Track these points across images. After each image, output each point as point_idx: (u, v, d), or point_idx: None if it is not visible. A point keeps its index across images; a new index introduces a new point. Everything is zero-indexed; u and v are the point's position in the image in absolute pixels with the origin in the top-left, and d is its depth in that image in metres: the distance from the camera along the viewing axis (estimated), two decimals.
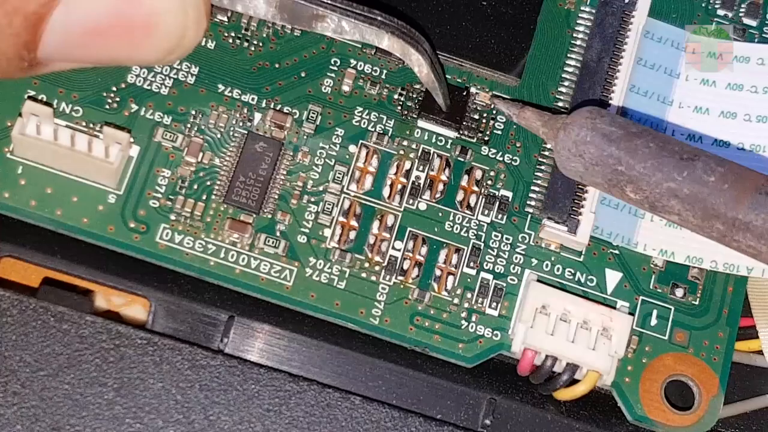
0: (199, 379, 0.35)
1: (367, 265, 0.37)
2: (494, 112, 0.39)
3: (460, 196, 0.38)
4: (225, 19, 0.39)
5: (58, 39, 0.30)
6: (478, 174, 0.38)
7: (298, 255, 0.37)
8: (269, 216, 0.37)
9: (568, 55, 0.40)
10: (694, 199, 0.33)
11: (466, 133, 0.39)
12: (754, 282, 0.39)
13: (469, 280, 0.37)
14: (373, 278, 0.37)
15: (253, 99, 0.38)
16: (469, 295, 0.37)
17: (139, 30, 0.30)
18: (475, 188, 0.38)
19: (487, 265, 0.38)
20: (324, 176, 0.38)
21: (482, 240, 0.38)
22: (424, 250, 0.38)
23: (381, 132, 0.38)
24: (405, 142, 0.38)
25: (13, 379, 0.34)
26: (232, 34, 0.39)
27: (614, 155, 0.34)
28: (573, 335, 0.36)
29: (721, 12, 0.41)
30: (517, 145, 0.39)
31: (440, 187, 0.38)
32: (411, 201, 0.38)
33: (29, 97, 0.37)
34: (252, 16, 0.39)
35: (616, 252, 0.38)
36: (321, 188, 0.38)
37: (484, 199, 0.38)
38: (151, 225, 0.36)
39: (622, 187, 0.34)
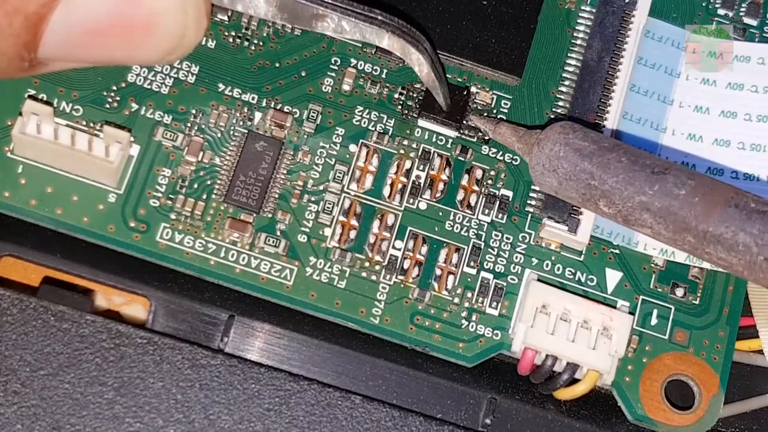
0: (199, 378, 0.35)
1: (367, 264, 0.37)
2: (494, 111, 0.39)
3: (460, 195, 0.38)
4: (225, 18, 0.39)
5: (59, 39, 0.30)
6: (478, 173, 0.38)
7: (299, 254, 0.37)
8: (269, 215, 0.37)
9: (569, 55, 0.40)
10: (665, 212, 0.33)
11: (466, 132, 0.39)
12: None
13: (469, 279, 0.37)
14: (374, 278, 0.37)
15: (253, 98, 0.38)
16: (469, 295, 0.37)
17: (139, 30, 0.30)
18: (476, 188, 0.38)
19: (487, 265, 0.38)
20: (324, 175, 0.38)
21: (482, 239, 0.38)
22: (424, 249, 0.38)
23: (381, 131, 0.38)
24: (405, 142, 0.38)
25: (14, 378, 0.34)
26: (233, 34, 0.39)
27: (587, 170, 0.34)
28: (573, 335, 0.36)
29: (721, 11, 0.41)
30: None
31: (440, 186, 0.38)
32: (411, 200, 0.38)
33: (29, 96, 0.37)
34: (252, 16, 0.39)
35: (617, 251, 0.38)
36: (321, 187, 0.38)
37: (484, 199, 0.38)
38: (152, 224, 0.36)
39: (595, 201, 0.35)
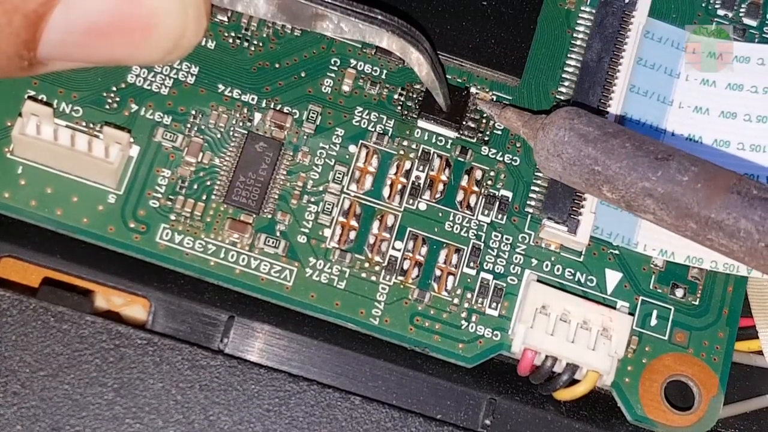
0: (199, 379, 0.35)
1: (367, 265, 0.37)
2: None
3: (460, 196, 0.38)
4: (225, 19, 0.39)
5: (58, 38, 0.30)
6: (478, 174, 0.38)
7: (298, 255, 0.37)
8: (269, 216, 0.37)
9: (568, 55, 0.40)
10: (668, 198, 0.34)
11: (466, 133, 0.39)
12: (754, 282, 0.39)
13: (469, 280, 0.37)
14: (373, 278, 0.37)
15: (253, 99, 0.38)
16: (469, 295, 0.37)
17: (138, 30, 0.30)
18: (475, 188, 0.38)
19: (487, 265, 0.38)
20: (324, 176, 0.38)
21: (482, 240, 0.38)
22: (424, 250, 0.38)
23: (381, 132, 0.38)
24: (405, 142, 0.38)
25: (13, 379, 0.34)
26: (232, 34, 0.39)
27: (591, 155, 0.35)
28: (573, 335, 0.36)
29: (721, 12, 0.41)
30: (517, 145, 0.39)
31: (440, 187, 0.38)
32: (411, 201, 0.38)
33: (29, 97, 0.37)
34: (252, 16, 0.39)
35: (616, 252, 0.38)
36: (321, 188, 0.38)
37: (484, 199, 0.38)
38: (151, 225, 0.36)
39: (599, 187, 0.35)
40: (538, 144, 0.36)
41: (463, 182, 0.38)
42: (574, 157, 0.35)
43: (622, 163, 0.34)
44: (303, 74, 0.39)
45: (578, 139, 0.35)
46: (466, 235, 0.38)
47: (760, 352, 0.39)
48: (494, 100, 0.39)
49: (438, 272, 0.37)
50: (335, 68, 0.39)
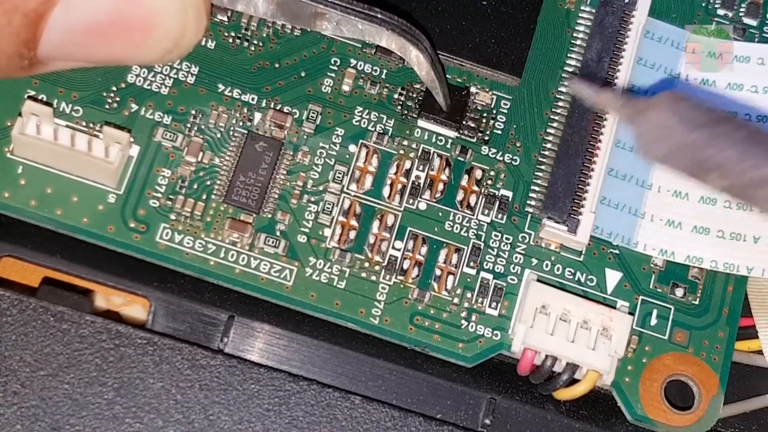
0: (199, 378, 0.35)
1: (367, 264, 0.37)
2: (494, 111, 0.39)
3: (460, 195, 0.38)
4: (225, 18, 0.39)
5: (58, 38, 0.30)
6: (478, 174, 0.38)
7: (298, 255, 0.37)
8: (269, 216, 0.37)
9: (568, 55, 0.40)
10: None
11: (466, 132, 0.39)
12: (754, 282, 0.39)
13: (469, 279, 0.37)
14: (373, 278, 0.37)
15: (253, 99, 0.38)
16: (469, 295, 0.37)
17: (138, 30, 0.30)
18: (475, 188, 0.38)
19: (487, 265, 0.38)
20: (324, 176, 0.38)
21: (482, 240, 0.38)
22: (424, 249, 0.38)
23: (381, 132, 0.38)
24: (405, 142, 0.38)
25: (13, 378, 0.34)
26: (232, 34, 0.39)
27: (699, 140, 0.32)
28: (573, 335, 0.36)
29: (721, 12, 0.41)
30: (517, 144, 0.39)
31: (440, 186, 0.38)
32: (411, 201, 0.38)
33: (29, 97, 0.37)
34: (252, 16, 0.39)
35: (616, 252, 0.38)
36: (321, 188, 0.38)
37: (484, 199, 0.38)
38: (151, 225, 0.36)
39: (706, 174, 0.32)
40: (640, 127, 0.33)
41: (463, 182, 0.38)
42: (680, 142, 0.32)
43: (735, 150, 0.31)
44: (303, 74, 0.39)
45: (685, 123, 0.33)
46: (466, 234, 0.38)
47: (760, 352, 0.39)
48: (494, 99, 0.39)
49: (438, 272, 0.37)
50: (335, 68, 0.39)
